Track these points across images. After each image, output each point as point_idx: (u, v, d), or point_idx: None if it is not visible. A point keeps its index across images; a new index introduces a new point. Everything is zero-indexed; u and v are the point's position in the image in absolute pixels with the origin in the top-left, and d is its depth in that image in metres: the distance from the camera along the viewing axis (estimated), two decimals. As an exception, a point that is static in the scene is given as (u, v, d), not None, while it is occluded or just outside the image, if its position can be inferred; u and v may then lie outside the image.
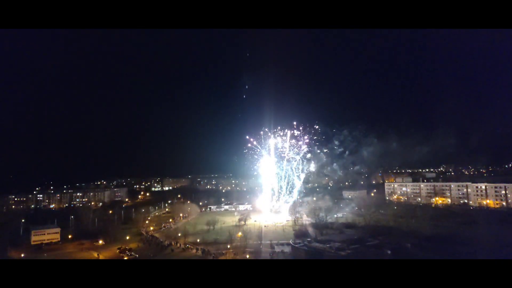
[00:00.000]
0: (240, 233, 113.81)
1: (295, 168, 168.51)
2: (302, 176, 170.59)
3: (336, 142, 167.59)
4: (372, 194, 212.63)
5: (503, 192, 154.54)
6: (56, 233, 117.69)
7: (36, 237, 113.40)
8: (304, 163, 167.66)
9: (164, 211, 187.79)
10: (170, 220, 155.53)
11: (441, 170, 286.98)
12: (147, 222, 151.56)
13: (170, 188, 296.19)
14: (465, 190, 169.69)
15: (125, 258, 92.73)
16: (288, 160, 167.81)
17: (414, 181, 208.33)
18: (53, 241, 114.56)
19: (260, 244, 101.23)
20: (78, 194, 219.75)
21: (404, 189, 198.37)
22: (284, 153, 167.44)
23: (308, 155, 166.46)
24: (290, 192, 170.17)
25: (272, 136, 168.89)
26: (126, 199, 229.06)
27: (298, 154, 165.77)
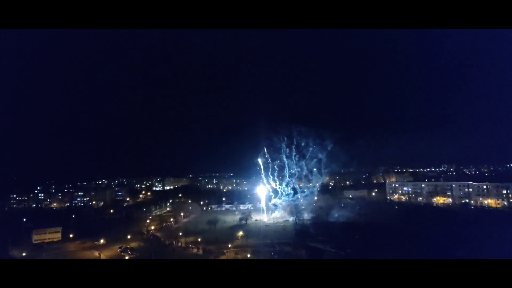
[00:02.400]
0: (241, 233, 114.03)
1: (317, 167, 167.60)
2: (323, 174, 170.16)
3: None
4: (373, 194, 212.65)
5: (505, 191, 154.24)
6: (57, 232, 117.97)
7: (37, 236, 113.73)
8: (327, 162, 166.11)
9: (165, 210, 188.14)
10: (171, 219, 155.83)
11: (443, 170, 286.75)
12: (148, 221, 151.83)
13: (171, 187, 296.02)
14: (466, 189, 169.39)
15: (126, 257, 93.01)
16: (310, 159, 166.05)
17: (415, 180, 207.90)
18: (55, 240, 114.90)
19: (261, 243, 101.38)
20: (79, 193, 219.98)
21: (405, 188, 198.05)
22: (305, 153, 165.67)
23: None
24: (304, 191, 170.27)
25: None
26: (127, 198, 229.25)
27: (322, 152, 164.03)
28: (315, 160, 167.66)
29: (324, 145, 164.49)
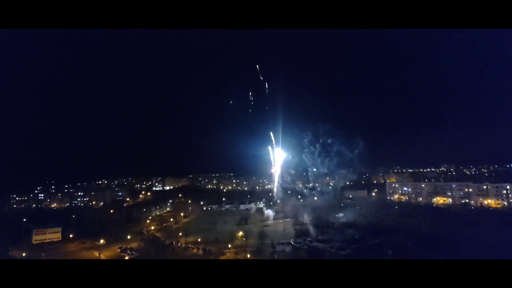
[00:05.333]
0: (241, 233, 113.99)
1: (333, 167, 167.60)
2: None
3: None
4: (373, 194, 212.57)
5: (505, 192, 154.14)
6: (57, 232, 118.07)
7: (38, 237, 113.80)
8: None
9: (165, 211, 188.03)
10: (171, 219, 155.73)
11: (442, 170, 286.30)
12: (148, 221, 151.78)
13: (171, 187, 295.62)
14: (466, 189, 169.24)
15: (126, 258, 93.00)
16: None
17: (415, 180, 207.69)
18: (55, 240, 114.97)
19: (261, 243, 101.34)
20: (79, 193, 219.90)
21: (405, 188, 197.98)
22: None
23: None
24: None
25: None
26: (127, 199, 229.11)
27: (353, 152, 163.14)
28: (317, 160, 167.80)
29: (330, 146, 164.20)
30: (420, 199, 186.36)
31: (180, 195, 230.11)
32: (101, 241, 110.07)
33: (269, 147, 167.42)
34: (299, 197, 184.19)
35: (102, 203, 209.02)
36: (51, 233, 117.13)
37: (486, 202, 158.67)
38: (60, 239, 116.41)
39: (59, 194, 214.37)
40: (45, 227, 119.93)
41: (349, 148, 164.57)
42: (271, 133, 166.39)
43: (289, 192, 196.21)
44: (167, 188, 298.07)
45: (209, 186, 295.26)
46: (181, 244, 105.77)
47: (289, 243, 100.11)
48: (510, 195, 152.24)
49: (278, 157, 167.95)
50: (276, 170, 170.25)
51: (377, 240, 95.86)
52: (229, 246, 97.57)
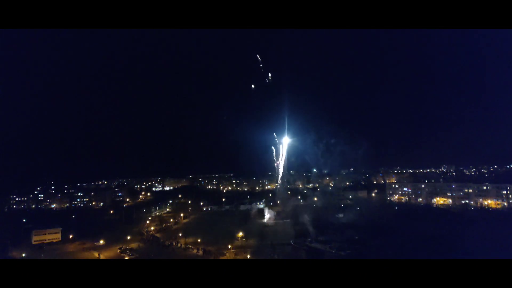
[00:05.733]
0: (241, 233, 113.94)
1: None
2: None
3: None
4: (373, 194, 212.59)
5: (505, 192, 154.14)
6: (57, 233, 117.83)
7: (37, 237, 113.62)
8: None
9: (165, 211, 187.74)
10: (171, 220, 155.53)
11: (442, 170, 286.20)
12: (148, 222, 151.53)
13: (171, 188, 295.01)
14: (466, 190, 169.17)
15: (126, 258, 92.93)
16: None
17: (415, 181, 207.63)
18: (54, 241, 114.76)
19: (261, 244, 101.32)
20: (79, 194, 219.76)
21: (405, 189, 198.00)
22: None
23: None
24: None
25: None
26: (127, 199, 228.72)
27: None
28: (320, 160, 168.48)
29: (330, 147, 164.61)
30: (420, 199, 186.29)
31: (180, 196, 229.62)
32: (101, 241, 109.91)
33: (273, 147, 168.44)
34: (300, 197, 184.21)
35: (102, 203, 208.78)
36: (50, 233, 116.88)
37: (486, 202, 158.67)
38: (60, 239, 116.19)
39: (59, 195, 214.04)
40: (45, 227, 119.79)
41: (349, 149, 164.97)
42: (274, 134, 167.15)
43: (289, 192, 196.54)
44: (167, 188, 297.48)
45: (209, 187, 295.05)
46: (181, 244, 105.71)
47: (289, 244, 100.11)
48: (510, 196, 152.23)
49: (280, 156, 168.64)
50: (279, 165, 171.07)
51: (377, 241, 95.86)
52: (229, 246, 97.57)
